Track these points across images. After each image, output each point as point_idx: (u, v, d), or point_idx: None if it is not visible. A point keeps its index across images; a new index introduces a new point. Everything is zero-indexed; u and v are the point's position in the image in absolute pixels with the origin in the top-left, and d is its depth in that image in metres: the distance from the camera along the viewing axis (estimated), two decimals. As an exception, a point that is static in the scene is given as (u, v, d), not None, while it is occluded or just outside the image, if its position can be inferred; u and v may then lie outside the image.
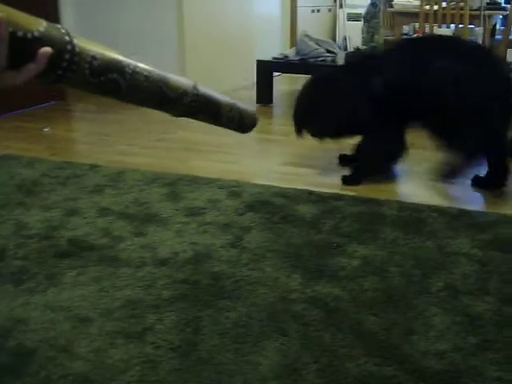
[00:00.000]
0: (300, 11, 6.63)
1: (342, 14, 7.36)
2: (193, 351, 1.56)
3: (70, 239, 2.24)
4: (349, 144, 3.09)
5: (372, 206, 2.54)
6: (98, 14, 5.00)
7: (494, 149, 2.79)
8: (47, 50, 0.79)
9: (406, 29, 5.79)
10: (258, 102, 4.69)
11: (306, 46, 4.61)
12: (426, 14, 4.95)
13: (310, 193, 2.70)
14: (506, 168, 2.79)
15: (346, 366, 1.50)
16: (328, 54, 4.57)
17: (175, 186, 2.81)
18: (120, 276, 1.96)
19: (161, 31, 4.85)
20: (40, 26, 0.80)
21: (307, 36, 4.70)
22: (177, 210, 2.52)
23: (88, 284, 1.91)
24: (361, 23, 6.62)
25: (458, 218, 2.41)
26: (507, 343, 1.59)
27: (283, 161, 3.29)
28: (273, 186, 2.80)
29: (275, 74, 4.94)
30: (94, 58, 0.87)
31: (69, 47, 0.83)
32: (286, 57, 4.76)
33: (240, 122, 1.23)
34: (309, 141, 3.14)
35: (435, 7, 4.92)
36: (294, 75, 5.52)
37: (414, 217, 2.43)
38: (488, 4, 5.13)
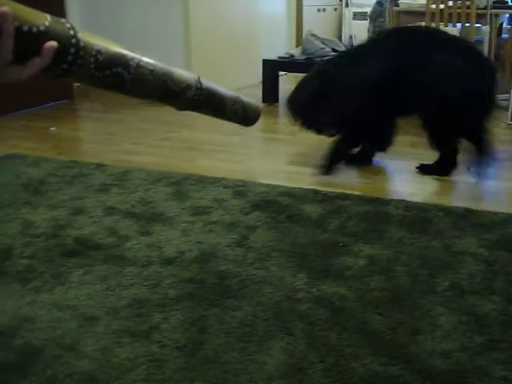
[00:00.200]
0: (306, 10, 6.63)
1: (347, 13, 7.36)
2: (199, 350, 1.56)
3: (76, 238, 2.24)
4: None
5: (378, 206, 2.54)
6: (104, 11, 5.01)
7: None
8: (53, 44, 0.79)
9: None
10: (263, 102, 4.69)
11: (312, 45, 4.61)
12: (432, 13, 4.93)
13: (316, 192, 2.70)
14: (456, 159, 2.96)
15: (351, 366, 1.50)
16: (334, 53, 4.57)
17: (181, 185, 2.81)
18: (126, 275, 1.97)
19: (167, 29, 4.86)
20: (45, 20, 0.80)
21: (313, 35, 4.70)
22: (183, 209, 2.52)
23: (94, 283, 1.92)
24: (367, 22, 6.63)
25: (464, 218, 2.41)
26: (513, 343, 1.59)
27: (289, 160, 3.29)
28: (278, 186, 2.80)
29: (281, 73, 4.94)
30: (98, 52, 0.87)
31: (74, 41, 0.83)
32: (292, 56, 4.76)
33: (243, 114, 1.23)
34: (314, 140, 3.14)
35: (441, 6, 4.90)
36: (299, 74, 5.50)
37: (420, 216, 2.43)
38: (494, 3, 5.11)
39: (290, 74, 5.80)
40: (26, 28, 0.77)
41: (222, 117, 1.21)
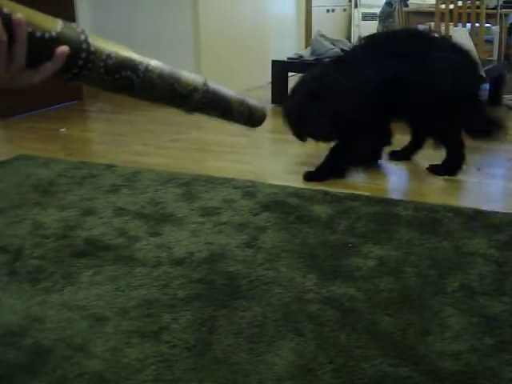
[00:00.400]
0: (315, 11, 6.62)
1: (357, 14, 7.35)
2: (208, 351, 1.57)
3: (86, 239, 2.25)
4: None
5: (387, 207, 2.53)
6: (114, 14, 5.02)
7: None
8: (64, 49, 0.80)
9: (421, 28, 5.75)
10: (272, 102, 4.69)
11: (321, 45, 4.60)
12: (442, 13, 4.92)
13: (325, 193, 2.70)
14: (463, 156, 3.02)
15: (361, 367, 1.49)
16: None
17: (190, 186, 2.81)
18: (136, 275, 1.97)
19: (176, 31, 4.87)
20: (57, 25, 0.81)
21: (322, 36, 4.70)
22: (192, 209, 2.53)
23: (104, 283, 1.92)
24: (376, 23, 6.62)
25: (474, 218, 2.40)
26: (524, 344, 1.58)
27: (298, 161, 3.28)
28: (288, 186, 2.80)
29: (290, 74, 4.93)
30: (108, 56, 0.89)
31: (84, 46, 0.85)
32: (301, 57, 4.75)
33: (249, 116, 1.24)
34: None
35: (451, 6, 4.88)
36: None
37: (429, 217, 2.42)
38: (505, 2, 5.09)
39: (299, 74, 5.81)
40: (39, 34, 0.78)
41: (229, 118, 1.22)
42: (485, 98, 4.68)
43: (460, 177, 2.97)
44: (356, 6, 7.37)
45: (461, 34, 4.13)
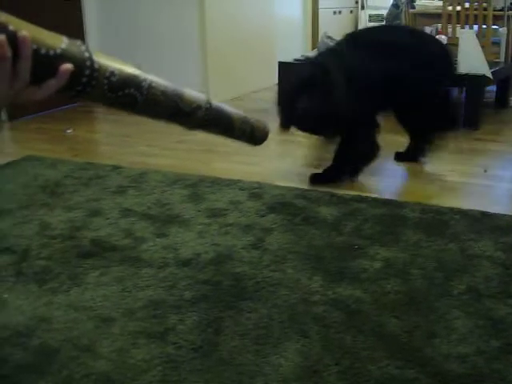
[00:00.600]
0: (321, 13, 6.62)
1: (363, 16, 7.34)
2: (214, 352, 1.57)
3: (92, 240, 2.26)
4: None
5: (394, 208, 2.53)
6: (120, 15, 5.03)
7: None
8: (68, 66, 0.80)
9: (428, 30, 5.74)
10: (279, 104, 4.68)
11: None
12: (449, 15, 4.91)
13: (332, 194, 2.70)
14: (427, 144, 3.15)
15: (367, 369, 1.49)
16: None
17: (197, 187, 2.82)
18: (142, 276, 1.98)
19: (182, 33, 4.87)
20: (61, 42, 0.81)
21: (329, 37, 4.69)
22: (198, 211, 2.53)
23: (110, 284, 1.93)
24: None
25: (480, 221, 2.39)
26: (531, 347, 1.58)
27: (305, 162, 3.28)
28: (294, 188, 2.80)
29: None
30: (112, 73, 0.89)
31: (88, 63, 0.85)
32: (308, 58, 4.75)
33: (251, 134, 1.25)
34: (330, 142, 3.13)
35: (458, 8, 4.87)
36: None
37: (436, 219, 2.42)
38: (512, 4, 5.08)
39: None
40: (43, 51, 0.78)
41: (230, 136, 1.23)
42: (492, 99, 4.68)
43: (467, 179, 2.97)
44: (363, 7, 7.36)
45: (468, 36, 4.11)
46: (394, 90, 2.85)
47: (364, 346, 1.59)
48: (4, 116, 4.30)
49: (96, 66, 0.86)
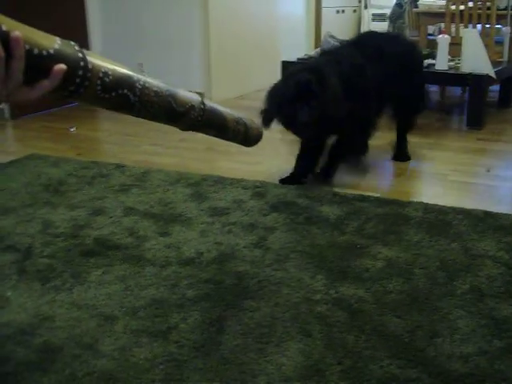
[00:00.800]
0: (325, 12, 6.61)
1: (366, 15, 7.33)
2: (216, 351, 1.57)
3: (95, 238, 2.26)
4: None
5: (396, 208, 2.53)
6: (124, 14, 5.03)
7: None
8: (62, 67, 0.81)
9: (431, 29, 5.73)
10: (282, 103, 4.68)
11: (331, 46, 4.59)
12: (452, 14, 4.90)
13: (335, 194, 2.70)
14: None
15: (369, 368, 1.49)
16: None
17: (200, 186, 2.82)
18: (145, 275, 1.98)
19: (186, 32, 4.87)
20: (55, 43, 0.82)
21: (332, 37, 4.68)
22: (201, 210, 2.53)
23: (113, 283, 1.93)
24: (386, 24, 6.59)
25: (483, 221, 2.39)
26: (533, 347, 1.58)
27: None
28: (297, 187, 2.79)
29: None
30: (105, 74, 0.89)
31: (82, 64, 0.85)
32: (311, 58, 4.75)
33: (245, 135, 1.25)
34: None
35: (461, 7, 4.86)
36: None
37: (439, 219, 2.41)
38: (515, 4, 5.06)
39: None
40: (36, 51, 0.78)
41: (225, 137, 1.23)
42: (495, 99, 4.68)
43: (470, 178, 2.97)
44: (366, 6, 7.35)
45: (471, 35, 4.10)
46: (387, 90, 2.94)
47: (366, 345, 1.59)
48: (7, 114, 4.30)
49: (90, 66, 0.86)
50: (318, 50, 4.81)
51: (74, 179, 2.94)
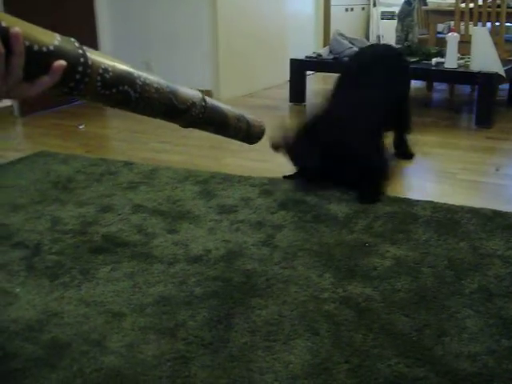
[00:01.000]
0: (333, 10, 6.60)
1: (375, 13, 7.31)
2: (224, 348, 1.57)
3: (104, 235, 2.27)
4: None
5: (405, 206, 2.52)
6: (133, 13, 5.04)
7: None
8: (62, 63, 0.81)
9: (440, 27, 5.71)
10: (290, 101, 4.68)
11: (340, 44, 4.59)
12: (462, 12, 4.88)
13: (343, 192, 2.69)
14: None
15: (377, 367, 1.49)
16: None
17: (208, 183, 2.82)
18: (153, 272, 1.98)
19: (194, 29, 4.87)
20: (54, 39, 0.82)
21: (341, 35, 4.68)
22: (209, 207, 2.53)
23: (121, 280, 1.93)
24: (395, 22, 6.57)
25: (492, 220, 2.38)
26: (542, 347, 1.57)
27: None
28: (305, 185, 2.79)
29: (308, 72, 4.93)
30: (105, 70, 0.89)
31: (82, 60, 0.85)
32: (320, 56, 4.74)
33: (247, 132, 1.24)
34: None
35: (471, 5, 4.84)
36: (327, 74, 5.50)
37: (447, 217, 2.41)
38: (526, 2, 5.03)
39: (317, 73, 5.80)
40: (36, 47, 0.78)
41: (226, 134, 1.23)
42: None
43: (479, 177, 2.96)
44: (375, 4, 7.33)
45: (481, 34, 4.08)
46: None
47: (374, 343, 1.58)
48: (16, 112, 4.32)
49: (90, 62, 0.86)
50: (327, 48, 4.81)
51: (82, 176, 2.95)
